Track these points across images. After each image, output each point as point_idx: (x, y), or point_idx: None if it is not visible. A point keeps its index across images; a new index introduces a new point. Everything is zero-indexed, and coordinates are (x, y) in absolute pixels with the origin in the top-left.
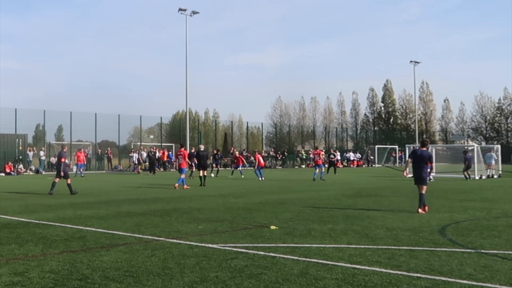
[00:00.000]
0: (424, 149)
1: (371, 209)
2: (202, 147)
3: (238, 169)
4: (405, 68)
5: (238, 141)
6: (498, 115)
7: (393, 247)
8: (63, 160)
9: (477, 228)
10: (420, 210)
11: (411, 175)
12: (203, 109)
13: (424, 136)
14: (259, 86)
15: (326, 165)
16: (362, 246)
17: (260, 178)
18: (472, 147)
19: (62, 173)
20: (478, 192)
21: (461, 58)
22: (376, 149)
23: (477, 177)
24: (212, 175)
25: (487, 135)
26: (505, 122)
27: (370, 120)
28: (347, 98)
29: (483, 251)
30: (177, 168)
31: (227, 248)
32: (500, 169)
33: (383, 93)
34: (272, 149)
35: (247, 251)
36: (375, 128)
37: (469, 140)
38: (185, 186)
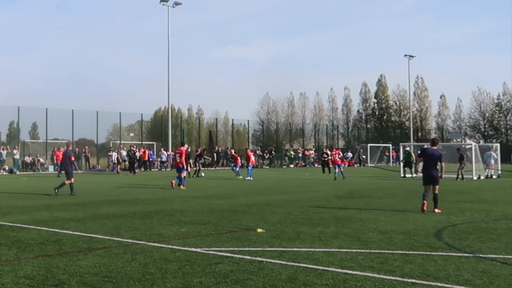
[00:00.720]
0: (435, 148)
1: (363, 210)
2: (185, 146)
3: (237, 169)
4: (400, 63)
5: (223, 139)
6: (497, 112)
7: (386, 251)
8: (73, 159)
9: (475, 231)
10: (436, 210)
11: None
12: (186, 105)
13: (420, 134)
14: (246, 81)
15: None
16: (354, 250)
17: (248, 177)
18: (470, 146)
19: (74, 171)
20: (476, 193)
21: (458, 52)
22: (368, 147)
23: (475, 177)
24: (203, 174)
25: (486, 133)
26: (505, 119)
27: (363, 117)
28: (338, 94)
29: (481, 255)
30: (175, 167)
31: (211, 252)
32: (500, 169)
33: (377, 89)
34: (259, 148)
35: (233, 255)
36: (368, 126)
37: (466, 138)
38: (181, 187)
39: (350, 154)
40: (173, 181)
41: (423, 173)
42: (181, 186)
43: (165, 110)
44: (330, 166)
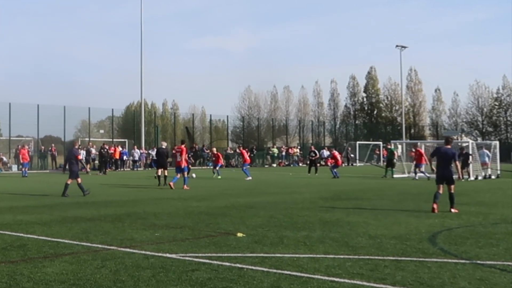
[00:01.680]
0: (449, 147)
1: (351, 213)
2: (164, 144)
3: (217, 168)
4: (391, 54)
5: (201, 136)
6: (496, 107)
7: (376, 257)
8: (79, 157)
9: (472, 236)
10: (453, 210)
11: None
12: (161, 100)
13: (413, 130)
14: (225, 74)
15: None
16: (342, 256)
17: (249, 178)
18: (467, 144)
19: (84, 170)
20: (474, 194)
21: (454, 42)
22: (357, 145)
23: (472, 178)
24: (194, 175)
25: (484, 130)
26: (504, 115)
27: (351, 112)
28: (324, 87)
29: (479, 262)
30: (175, 166)
31: (187, 258)
32: (499, 168)
33: (366, 82)
34: (239, 146)
35: (211, 261)
36: (357, 122)
37: (463, 135)
38: (185, 186)
39: (326, 153)
40: (171, 183)
41: (436, 172)
42: (185, 186)
43: (137, 105)
44: (318, 165)
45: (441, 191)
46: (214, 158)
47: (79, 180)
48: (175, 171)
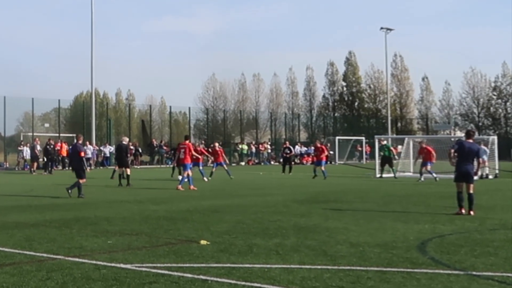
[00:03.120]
0: (471, 141)
1: (330, 218)
2: (125, 140)
3: (214, 168)
4: (374, 37)
5: (159, 130)
6: (495, 97)
7: (358, 268)
8: (82, 154)
9: (467, 244)
10: (472, 212)
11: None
12: (114, 89)
13: (399, 124)
14: (187, 60)
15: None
16: (319, 267)
17: (230, 177)
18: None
19: (87, 170)
20: None
21: (445, 24)
22: (337, 141)
23: None
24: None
25: (480, 124)
26: (504, 106)
27: (329, 103)
28: (299, 75)
29: (474, 273)
30: (179, 164)
31: (144, 269)
32: (497, 167)
33: (346, 69)
34: (203, 141)
35: (170, 272)
36: (336, 114)
37: (456, 130)
38: (191, 187)
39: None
40: (179, 186)
41: (457, 169)
42: (191, 186)
43: (87, 95)
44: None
45: (461, 190)
46: (215, 155)
47: (84, 180)
48: (183, 169)
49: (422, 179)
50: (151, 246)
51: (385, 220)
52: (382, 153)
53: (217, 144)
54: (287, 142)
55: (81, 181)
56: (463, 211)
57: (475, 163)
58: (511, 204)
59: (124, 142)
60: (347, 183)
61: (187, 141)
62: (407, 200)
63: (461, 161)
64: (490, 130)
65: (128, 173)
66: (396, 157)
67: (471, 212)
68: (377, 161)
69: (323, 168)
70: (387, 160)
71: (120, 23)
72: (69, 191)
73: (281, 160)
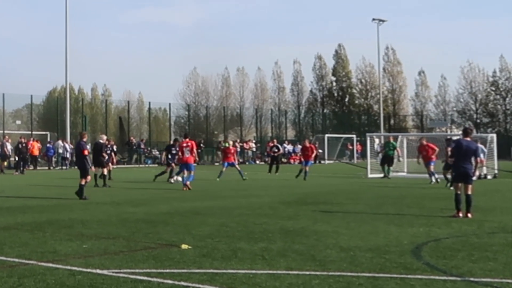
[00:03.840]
0: (469, 139)
1: (319, 221)
2: (103, 138)
3: (226, 167)
4: (365, 29)
5: (137, 127)
6: (493, 93)
7: (349, 274)
8: (86, 153)
9: (464, 248)
10: (469, 215)
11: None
12: (90, 84)
13: (392, 121)
14: (167, 54)
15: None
16: (307, 273)
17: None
18: (457, 137)
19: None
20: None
21: (442, 15)
22: (326, 139)
23: None
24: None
25: (478, 121)
26: (503, 102)
27: (318, 99)
28: (286, 69)
29: (472, 279)
30: (181, 163)
31: (121, 275)
32: (496, 167)
33: (335, 63)
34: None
35: (150, 278)
36: (325, 111)
37: (453, 127)
38: (185, 186)
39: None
40: (187, 184)
41: (454, 169)
42: (188, 184)
43: (61, 91)
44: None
45: (460, 192)
46: (226, 154)
47: (88, 179)
48: (180, 168)
49: (434, 180)
50: (129, 251)
51: (378, 223)
52: (386, 149)
53: (231, 142)
54: (275, 140)
55: (83, 181)
56: (461, 214)
57: (474, 162)
58: (511, 206)
59: (101, 141)
60: (337, 183)
61: (187, 139)
62: (401, 201)
63: (458, 160)
64: (489, 128)
65: (105, 173)
66: (400, 158)
67: (469, 215)
68: (379, 158)
69: (307, 168)
70: (388, 159)
71: (96, 14)
72: (83, 196)
73: (268, 159)
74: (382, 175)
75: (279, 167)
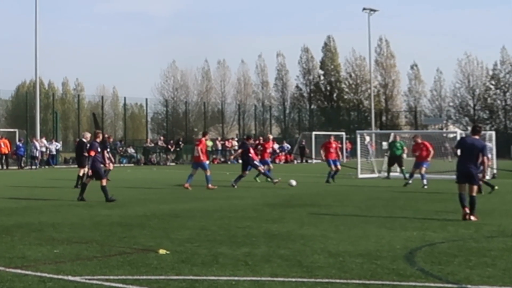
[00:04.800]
0: (477, 137)
1: (306, 224)
2: (86, 136)
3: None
4: (356, 19)
5: (112, 124)
6: (493, 87)
7: (338, 281)
8: (92, 154)
9: (461, 253)
10: (473, 218)
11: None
12: (60, 78)
13: (384, 118)
14: (144, 46)
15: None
16: (293, 279)
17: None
18: (454, 135)
19: (90, 171)
20: None
21: (437, 4)
22: (313, 137)
23: None
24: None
25: (477, 117)
26: (503, 97)
27: (305, 94)
28: (270, 62)
29: (469, 286)
30: (194, 162)
31: (95, 282)
32: (495, 166)
33: (323, 56)
34: (162, 137)
35: (125, 286)
36: (312, 107)
37: (449, 124)
38: (210, 186)
39: (287, 146)
40: (186, 184)
41: (458, 168)
42: (209, 185)
43: (31, 85)
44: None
45: (465, 191)
46: (264, 152)
47: (89, 180)
48: (192, 167)
49: (410, 181)
50: (103, 256)
51: (368, 227)
52: (393, 149)
53: (270, 137)
54: (261, 138)
55: (103, 182)
56: (467, 210)
57: (484, 161)
58: (510, 208)
59: (83, 139)
60: (325, 184)
61: (203, 138)
62: (393, 203)
63: (461, 159)
64: (487, 125)
65: (81, 174)
66: (404, 155)
67: (472, 217)
68: (385, 158)
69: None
70: (397, 159)
71: (68, 4)
72: (110, 197)
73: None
74: (375, 175)
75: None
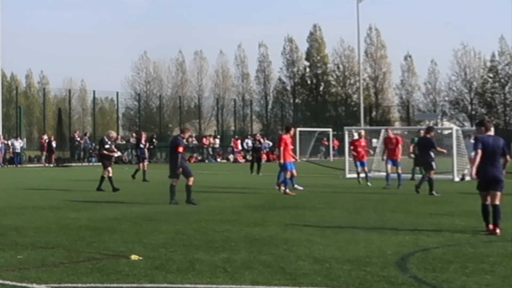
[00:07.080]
0: (492, 133)
1: (289, 228)
2: (112, 135)
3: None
4: (344, 6)
5: (80, 120)
6: (491, 80)
7: None
8: (180, 149)
9: (457, 259)
10: (498, 231)
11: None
12: (24, 71)
13: (374, 113)
14: (113, 35)
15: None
16: (276, 287)
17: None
18: (450, 131)
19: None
20: (459, 201)
21: None
22: (298, 133)
23: (457, 179)
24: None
25: (474, 112)
26: (501, 91)
27: (288, 88)
28: (250, 53)
29: None
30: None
31: None
32: None
33: (309, 46)
34: (134, 134)
35: None
36: (296, 101)
37: (444, 120)
38: (287, 191)
39: (269, 143)
40: (287, 190)
41: (481, 174)
42: (286, 190)
43: None
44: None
45: (488, 202)
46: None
47: (176, 180)
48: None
49: (388, 183)
50: (70, 262)
51: (357, 230)
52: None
53: (363, 132)
54: (258, 135)
55: (174, 182)
56: (491, 226)
57: (506, 161)
58: (510, 211)
59: (105, 138)
60: (310, 184)
61: (285, 135)
62: (384, 206)
63: (484, 162)
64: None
65: (105, 175)
66: (412, 155)
67: (497, 230)
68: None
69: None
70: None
71: None
72: (191, 199)
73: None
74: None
75: (260, 166)
